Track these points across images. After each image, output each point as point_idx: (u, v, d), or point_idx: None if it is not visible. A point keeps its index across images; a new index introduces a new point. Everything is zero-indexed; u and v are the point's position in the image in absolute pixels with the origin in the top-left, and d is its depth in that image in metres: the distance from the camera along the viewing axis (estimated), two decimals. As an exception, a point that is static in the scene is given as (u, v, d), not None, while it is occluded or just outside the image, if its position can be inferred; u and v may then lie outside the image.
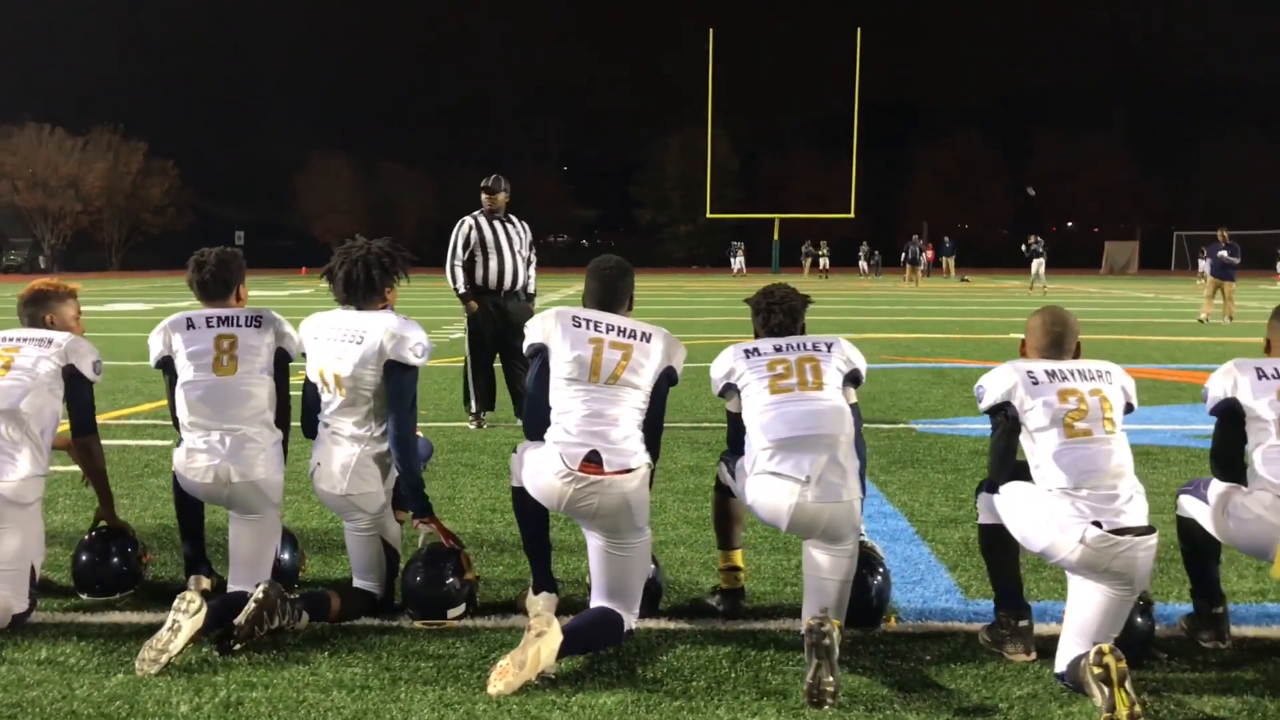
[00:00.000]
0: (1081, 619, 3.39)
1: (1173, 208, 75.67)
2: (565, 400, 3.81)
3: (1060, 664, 3.39)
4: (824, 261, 53.04)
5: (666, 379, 3.93)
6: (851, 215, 55.42)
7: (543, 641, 3.40)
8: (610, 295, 3.99)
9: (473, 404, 8.29)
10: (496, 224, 8.16)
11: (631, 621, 3.79)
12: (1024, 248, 36.17)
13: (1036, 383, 3.53)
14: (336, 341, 3.99)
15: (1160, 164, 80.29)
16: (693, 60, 54.81)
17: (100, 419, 8.77)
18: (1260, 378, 3.59)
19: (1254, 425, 3.59)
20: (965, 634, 3.89)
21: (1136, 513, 3.36)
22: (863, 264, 53.80)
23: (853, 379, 3.90)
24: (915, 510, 5.71)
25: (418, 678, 3.48)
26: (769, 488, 3.70)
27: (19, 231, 61.77)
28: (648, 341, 3.88)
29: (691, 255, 78.94)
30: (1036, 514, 3.44)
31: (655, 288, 37.54)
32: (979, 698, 3.34)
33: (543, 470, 3.76)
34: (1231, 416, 3.63)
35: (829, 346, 3.90)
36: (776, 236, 58.52)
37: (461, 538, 5.05)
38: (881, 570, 3.99)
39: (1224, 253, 20.84)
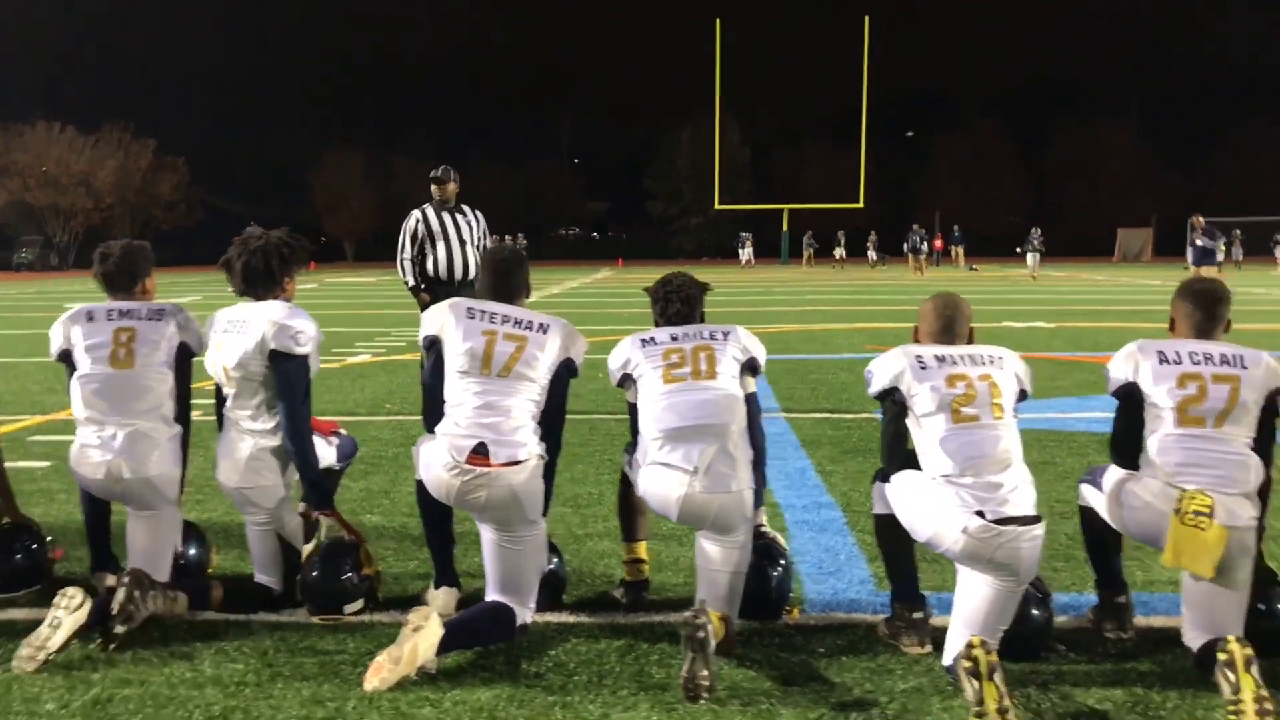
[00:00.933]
0: (968, 610, 3.32)
1: (1191, 195, 74.75)
2: (458, 393, 3.76)
3: (947, 656, 3.32)
4: (840, 252, 52.89)
5: (566, 370, 3.87)
6: (861, 205, 55.23)
7: (420, 636, 3.35)
8: (505, 286, 3.94)
9: None
10: (445, 215, 8.10)
11: (526, 615, 3.74)
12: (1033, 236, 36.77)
13: (925, 367, 3.46)
14: (226, 334, 3.96)
15: (1178, 152, 79.58)
16: (705, 52, 54.58)
17: (64, 415, 8.82)
18: (1162, 362, 3.48)
19: (1151, 411, 3.50)
20: (867, 625, 3.83)
21: (1022, 502, 3.28)
22: (871, 254, 53.50)
23: (750, 367, 3.83)
24: (853, 500, 5.63)
25: (298, 674, 3.44)
26: (659, 478, 3.64)
27: (31, 229, 62.16)
28: (544, 333, 3.82)
29: (702, 247, 78.78)
30: (922, 503, 3.37)
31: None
32: (861, 691, 3.28)
33: (432, 463, 3.71)
34: (1132, 401, 3.54)
35: (725, 335, 3.84)
36: (785, 227, 58.38)
37: (387, 531, 5.05)
38: (783, 562, 3.93)
39: (1200, 240, 20.44)
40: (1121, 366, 3.55)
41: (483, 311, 3.83)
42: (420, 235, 8.08)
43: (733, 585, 3.65)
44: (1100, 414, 8.16)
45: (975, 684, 2.93)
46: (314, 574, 3.96)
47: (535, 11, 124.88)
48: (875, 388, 3.56)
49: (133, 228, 68.58)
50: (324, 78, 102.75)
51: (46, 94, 74.04)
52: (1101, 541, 3.73)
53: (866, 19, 53.35)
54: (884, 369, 3.53)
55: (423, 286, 8.09)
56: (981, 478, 3.28)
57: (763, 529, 3.98)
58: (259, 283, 4.05)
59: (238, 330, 3.95)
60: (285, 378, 3.92)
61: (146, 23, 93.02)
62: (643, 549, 4.10)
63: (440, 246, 8.01)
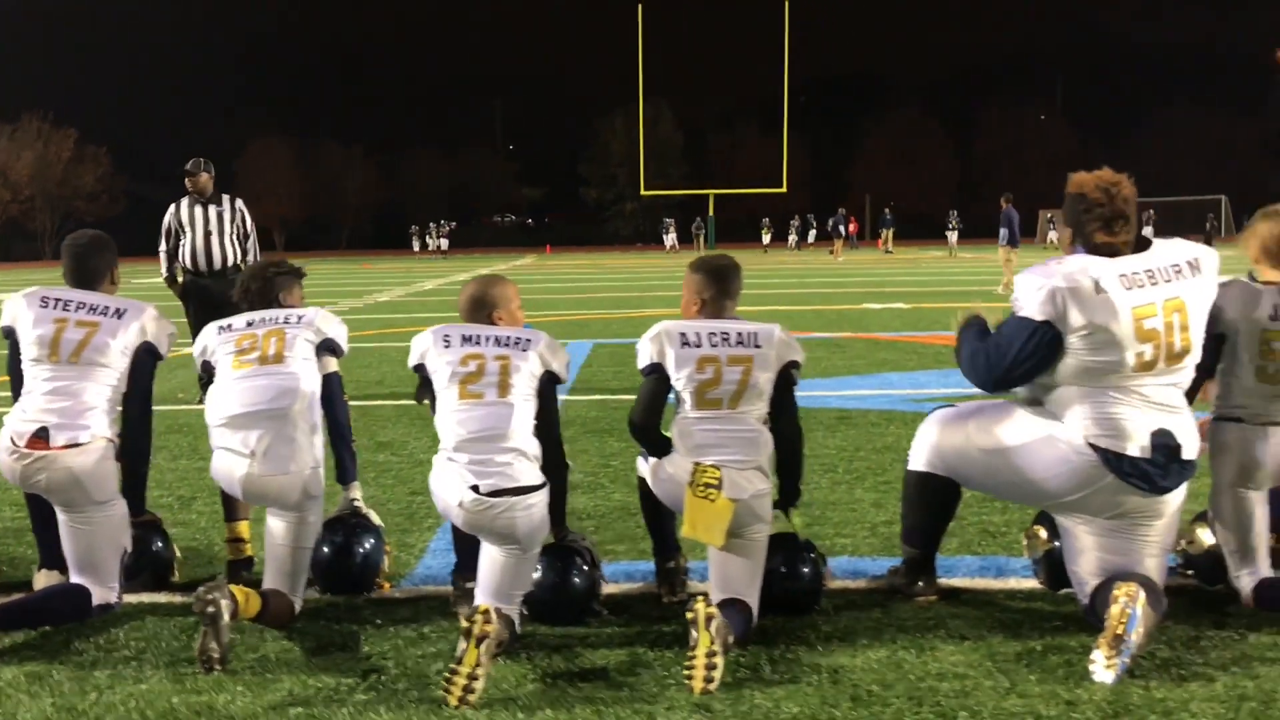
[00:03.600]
0: (483, 576, 3.49)
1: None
2: (30, 380, 3.85)
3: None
4: (766, 236, 53.67)
5: (148, 354, 3.96)
6: (783, 190, 55.58)
7: (-38, 613, 3.44)
8: (84, 272, 4.02)
9: None
10: (198, 208, 8.33)
11: (109, 595, 3.83)
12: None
13: (448, 345, 3.60)
14: None
15: (1103, 132, 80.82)
16: (637, 37, 54.56)
17: None
18: (684, 345, 3.60)
19: (675, 392, 3.66)
20: (439, 598, 3.97)
21: (517, 474, 3.42)
22: (792, 237, 54.27)
23: (328, 348, 3.95)
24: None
25: None
26: (223, 462, 3.76)
27: (-55, 222, 60.99)
28: (119, 318, 3.91)
29: (638, 233, 78.87)
30: (436, 477, 3.53)
31: (570, 266, 37.55)
32: (378, 659, 3.42)
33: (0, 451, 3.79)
34: (657, 379, 3.68)
35: (300, 319, 3.95)
36: (711, 212, 58.55)
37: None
38: (372, 540, 4.05)
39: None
40: (648, 348, 3.66)
41: (57, 300, 3.91)
42: (173, 228, 8.33)
43: (296, 560, 3.77)
44: (847, 392, 8.42)
45: (464, 645, 3.06)
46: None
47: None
48: (409, 362, 3.70)
49: (53, 220, 67.53)
50: (250, 64, 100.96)
51: (-38, 83, 72.23)
52: (654, 509, 3.90)
53: (786, 4, 53.61)
54: (415, 346, 3.67)
55: (175, 278, 8.33)
56: (478, 452, 3.43)
57: (356, 504, 4.11)
58: None
59: None
60: None
61: (65, 9, 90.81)
62: (243, 528, 4.22)
63: (186, 238, 8.25)
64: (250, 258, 8.49)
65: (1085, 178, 3.44)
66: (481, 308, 3.74)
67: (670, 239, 53.97)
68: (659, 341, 3.66)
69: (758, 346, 3.60)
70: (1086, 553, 3.54)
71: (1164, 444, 3.32)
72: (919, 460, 3.83)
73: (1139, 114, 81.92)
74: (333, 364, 3.98)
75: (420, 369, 3.65)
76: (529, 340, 3.65)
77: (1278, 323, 3.61)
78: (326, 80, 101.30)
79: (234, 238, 8.39)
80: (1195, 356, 3.38)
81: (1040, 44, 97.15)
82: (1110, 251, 3.35)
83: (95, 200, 68.30)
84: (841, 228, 43.97)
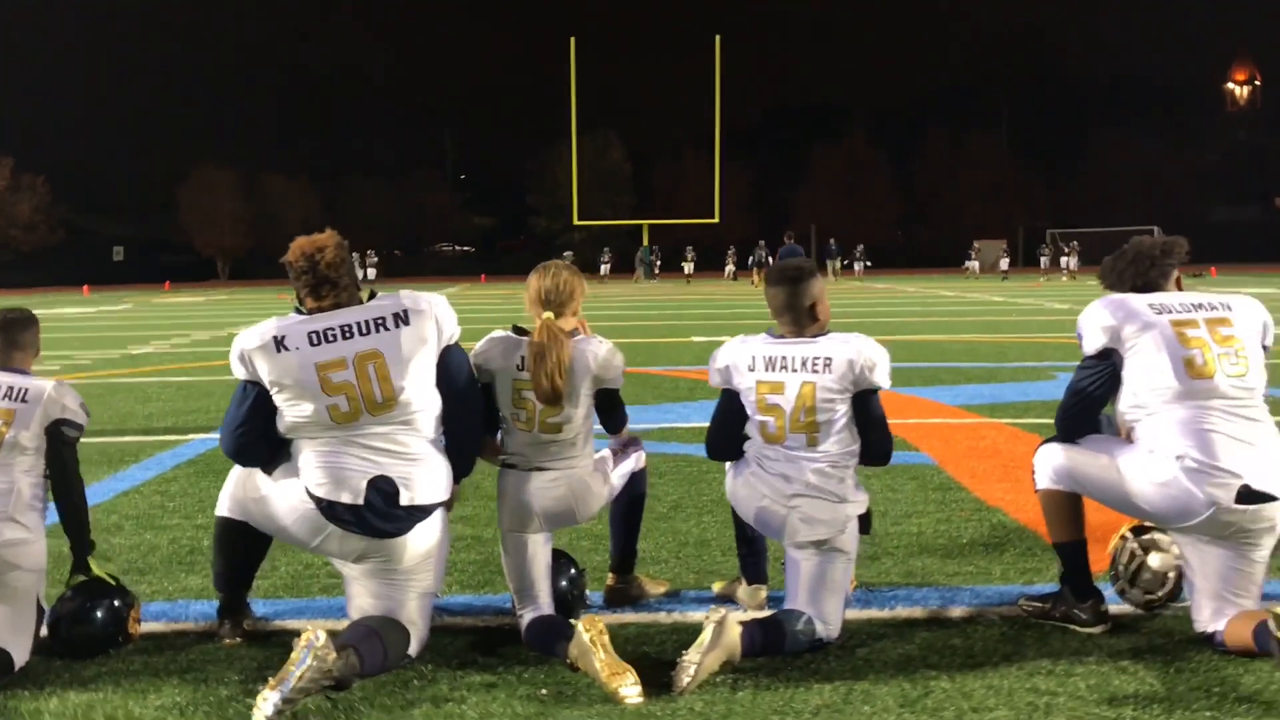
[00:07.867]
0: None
1: (1057, 205, 77.31)
2: None
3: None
4: (688, 267, 54.55)
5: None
6: (716, 220, 56.35)
7: None
8: None
9: None
10: None
11: None
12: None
13: None
14: None
15: (1045, 162, 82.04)
16: (586, 68, 55.41)
17: None
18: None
19: None
20: None
21: None
22: (729, 267, 55.09)
23: None
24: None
25: None
26: None
27: (-126, 253, 60.22)
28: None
29: (587, 262, 79.24)
30: None
31: (482, 296, 37.83)
32: None
33: None
34: None
35: None
36: (646, 242, 59.26)
37: None
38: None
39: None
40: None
41: None
42: None
43: None
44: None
45: None
46: None
47: (415, 25, 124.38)
48: None
49: (-12, 250, 66.88)
50: (193, 92, 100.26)
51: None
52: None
53: (718, 38, 54.64)
54: None
55: None
56: None
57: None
58: None
59: None
60: None
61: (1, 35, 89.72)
62: None
63: None
64: None
65: (297, 245, 3.62)
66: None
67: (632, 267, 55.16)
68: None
69: (24, 401, 3.82)
70: (356, 598, 3.72)
71: (381, 490, 3.55)
72: (222, 508, 3.98)
73: (1081, 144, 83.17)
74: None
75: None
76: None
77: (524, 373, 3.85)
78: (270, 109, 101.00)
79: None
80: (414, 400, 3.60)
81: (985, 74, 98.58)
82: (318, 312, 3.63)
83: (33, 230, 67.58)
84: (767, 257, 44.68)
